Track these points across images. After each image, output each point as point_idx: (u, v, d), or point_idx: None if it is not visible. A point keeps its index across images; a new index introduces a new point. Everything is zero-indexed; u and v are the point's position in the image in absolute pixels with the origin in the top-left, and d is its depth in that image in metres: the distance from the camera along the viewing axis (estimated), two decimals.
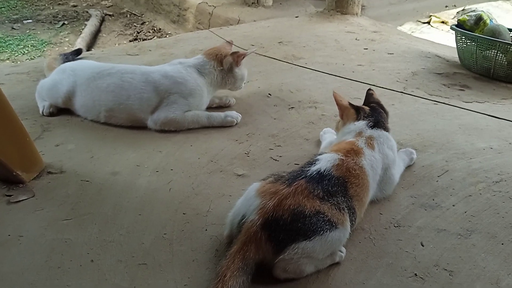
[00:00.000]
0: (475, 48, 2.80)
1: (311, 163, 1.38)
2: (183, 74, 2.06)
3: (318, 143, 1.91)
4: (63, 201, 1.56)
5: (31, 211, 1.50)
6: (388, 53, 3.15)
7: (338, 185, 1.30)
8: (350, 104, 1.65)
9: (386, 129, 1.61)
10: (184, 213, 1.51)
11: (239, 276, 1.13)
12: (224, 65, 2.13)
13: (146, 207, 1.54)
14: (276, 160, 1.83)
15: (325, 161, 1.37)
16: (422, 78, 2.74)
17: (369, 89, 1.78)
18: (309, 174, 1.31)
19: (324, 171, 1.32)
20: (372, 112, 1.63)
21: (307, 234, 1.17)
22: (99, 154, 1.85)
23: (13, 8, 7.00)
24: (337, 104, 1.65)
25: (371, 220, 1.48)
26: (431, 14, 5.75)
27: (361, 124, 1.57)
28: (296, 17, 4.06)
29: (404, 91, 2.51)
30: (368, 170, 1.42)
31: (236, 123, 2.10)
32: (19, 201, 1.56)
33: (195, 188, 1.65)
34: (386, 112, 1.69)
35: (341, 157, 1.39)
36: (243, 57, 2.14)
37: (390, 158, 1.54)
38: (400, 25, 5.15)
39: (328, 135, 1.88)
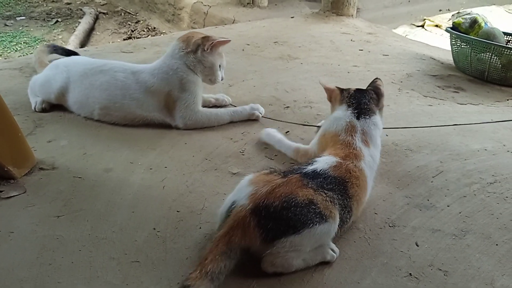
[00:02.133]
0: (469, 50, 2.81)
1: (308, 163, 1.37)
2: (165, 65, 2.00)
3: None
4: (55, 197, 1.53)
5: (22, 207, 1.48)
6: (383, 55, 3.16)
7: (335, 184, 1.29)
8: (336, 86, 1.69)
9: (373, 112, 1.58)
10: (178, 211, 1.50)
11: (220, 261, 1.11)
12: (192, 46, 1.98)
13: (139, 205, 1.52)
14: (271, 159, 1.82)
15: (323, 163, 1.36)
16: (417, 79, 2.75)
17: (376, 78, 1.77)
18: (304, 171, 1.31)
19: (320, 171, 1.32)
20: (356, 94, 1.62)
21: (296, 226, 1.15)
22: (92, 151, 1.83)
23: (6, 5, 6.93)
24: (325, 88, 1.70)
25: (366, 219, 1.47)
26: (425, 17, 5.79)
27: (348, 113, 1.55)
28: (292, 17, 4.06)
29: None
30: (367, 171, 1.42)
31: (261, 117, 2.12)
32: (10, 197, 1.53)
33: (189, 186, 1.63)
34: (378, 94, 1.65)
35: (339, 160, 1.38)
36: (212, 43, 1.97)
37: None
38: (394, 28, 5.17)
39: (277, 134, 1.89)
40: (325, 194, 1.24)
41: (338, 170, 1.34)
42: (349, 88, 1.67)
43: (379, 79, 1.75)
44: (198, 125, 2.03)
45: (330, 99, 1.70)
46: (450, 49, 3.03)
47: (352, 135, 1.49)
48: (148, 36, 5.58)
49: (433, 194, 1.63)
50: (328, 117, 1.66)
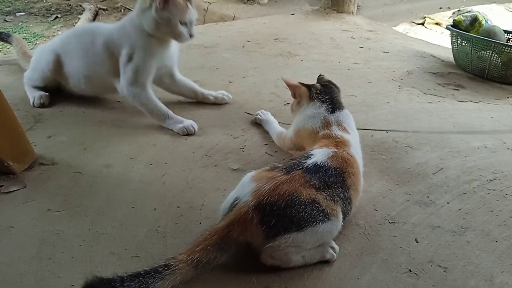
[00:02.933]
0: (470, 48, 2.81)
1: (306, 157, 1.37)
2: (122, 22, 1.95)
3: None
4: (55, 192, 1.53)
5: (22, 202, 1.48)
6: (384, 52, 3.16)
7: (336, 176, 1.29)
8: (300, 83, 1.69)
9: (343, 105, 1.63)
10: (178, 207, 1.50)
11: (211, 251, 1.11)
12: (146, 2, 1.80)
13: (139, 200, 1.52)
14: (271, 155, 1.82)
15: (320, 155, 1.36)
16: (417, 77, 2.75)
17: (321, 74, 1.82)
18: (305, 166, 1.30)
19: (320, 163, 1.32)
20: (324, 89, 1.65)
21: (300, 223, 1.16)
22: (92, 146, 1.83)
23: (5, 1, 6.90)
24: (287, 84, 1.69)
25: (366, 216, 1.48)
26: (425, 15, 5.79)
27: (322, 110, 1.57)
28: (292, 14, 4.06)
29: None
30: (357, 157, 1.43)
31: (188, 134, 1.94)
32: (10, 191, 1.53)
33: (189, 182, 1.63)
34: (338, 88, 1.71)
35: (334, 149, 1.39)
36: None
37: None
38: (395, 26, 5.17)
39: (271, 117, 2.00)
40: (327, 191, 1.24)
41: (336, 161, 1.34)
42: (314, 84, 1.69)
43: (323, 75, 1.81)
44: (137, 103, 1.95)
45: (294, 95, 1.70)
46: (451, 47, 3.03)
47: (330, 129, 1.52)
48: None
49: (433, 191, 1.63)
50: (299, 113, 1.66)
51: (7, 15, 6.24)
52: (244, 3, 4.99)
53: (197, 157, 1.79)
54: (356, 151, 1.46)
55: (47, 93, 2.14)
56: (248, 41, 3.16)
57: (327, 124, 1.53)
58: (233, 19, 4.51)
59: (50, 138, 1.88)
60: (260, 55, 2.93)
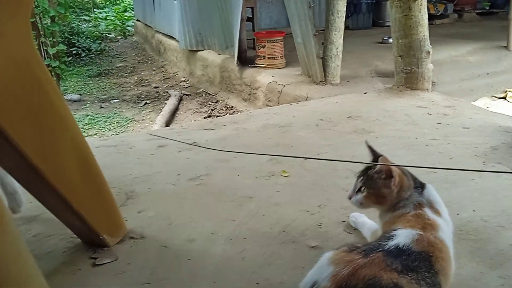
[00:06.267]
0: None
1: (388, 237, 1.33)
2: None
3: None
4: (143, 265, 1.62)
5: (114, 274, 1.58)
6: (464, 127, 3.07)
7: (420, 260, 1.24)
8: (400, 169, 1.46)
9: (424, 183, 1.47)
10: (257, 283, 1.51)
11: None
12: None
13: (220, 276, 1.56)
14: (349, 233, 1.80)
15: (403, 236, 1.31)
16: (502, 152, 2.61)
17: (366, 141, 1.60)
18: (386, 248, 1.27)
19: (403, 246, 1.27)
20: (406, 172, 1.47)
21: None
22: (176, 221, 1.94)
23: (102, 90, 7.85)
24: (392, 172, 1.41)
25: None
26: (506, 89, 5.58)
27: (413, 192, 1.43)
28: (365, 93, 4.14)
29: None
30: (448, 242, 1.35)
31: None
32: (103, 263, 1.65)
33: (267, 258, 1.65)
34: None
35: (419, 232, 1.33)
36: None
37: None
38: (474, 101, 5.02)
39: (365, 219, 1.79)
40: (411, 275, 1.19)
41: (420, 244, 1.28)
42: (402, 169, 1.47)
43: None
44: None
45: (398, 184, 1.42)
46: None
47: (422, 209, 1.40)
48: (226, 114, 5.95)
49: None
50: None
51: (103, 102, 7.07)
52: (316, 84, 5.19)
53: (274, 233, 1.82)
54: (445, 234, 1.37)
55: None
56: (322, 119, 3.26)
57: (419, 206, 1.42)
58: (306, 99, 4.69)
59: (140, 213, 2.02)
60: (333, 132, 2.99)
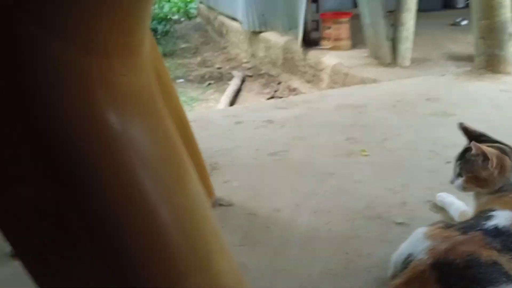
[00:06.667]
0: None
1: (485, 218, 1.31)
2: None
3: None
4: (235, 229, 1.72)
5: None
6: None
7: None
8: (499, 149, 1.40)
9: None
10: (346, 253, 1.55)
11: None
12: None
13: (308, 244, 1.62)
14: (435, 213, 1.78)
15: (503, 218, 1.29)
16: None
17: (461, 123, 1.55)
18: (485, 227, 1.26)
19: (502, 227, 1.25)
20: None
21: (481, 283, 1.10)
22: (261, 192, 2.02)
23: (168, 70, 8.11)
24: (486, 152, 1.36)
25: None
26: None
27: None
28: (443, 75, 4.00)
29: None
30: None
31: None
32: None
33: (354, 231, 1.68)
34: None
35: None
36: None
37: None
38: None
39: (453, 199, 1.74)
40: (510, 255, 1.18)
41: None
42: (492, 150, 1.40)
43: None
44: None
45: (497, 166, 1.38)
46: None
47: None
48: (289, 95, 5.97)
49: None
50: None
51: None
52: (384, 66, 5.06)
53: (359, 208, 1.84)
54: None
55: None
56: (398, 101, 3.19)
57: None
58: (373, 82, 4.60)
59: (226, 183, 2.12)
60: (412, 114, 2.93)
